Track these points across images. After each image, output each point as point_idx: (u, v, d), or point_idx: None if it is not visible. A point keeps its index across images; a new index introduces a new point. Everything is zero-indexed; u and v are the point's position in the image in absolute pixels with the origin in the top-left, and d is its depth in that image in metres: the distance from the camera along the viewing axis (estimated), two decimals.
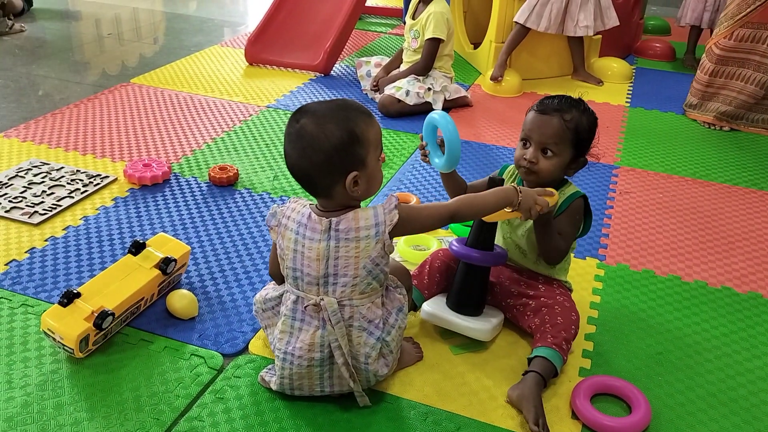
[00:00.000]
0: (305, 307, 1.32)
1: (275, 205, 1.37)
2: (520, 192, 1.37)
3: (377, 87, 3.11)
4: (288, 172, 2.35)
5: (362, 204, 1.32)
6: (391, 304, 1.37)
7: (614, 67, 3.62)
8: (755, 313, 1.78)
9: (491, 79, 3.33)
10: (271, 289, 1.43)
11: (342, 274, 1.28)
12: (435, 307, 1.59)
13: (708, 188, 2.48)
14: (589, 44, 3.62)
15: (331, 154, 1.22)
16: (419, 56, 3.04)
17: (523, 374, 1.44)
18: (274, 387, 1.39)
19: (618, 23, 3.44)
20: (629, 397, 1.43)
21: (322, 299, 1.29)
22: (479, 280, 1.57)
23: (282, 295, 1.38)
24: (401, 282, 1.43)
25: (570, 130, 1.51)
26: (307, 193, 1.37)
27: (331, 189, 1.25)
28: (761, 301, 1.83)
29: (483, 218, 1.47)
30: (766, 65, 2.88)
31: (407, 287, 1.46)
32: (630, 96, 3.41)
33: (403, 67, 3.12)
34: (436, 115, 1.56)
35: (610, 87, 3.51)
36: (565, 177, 1.59)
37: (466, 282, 1.57)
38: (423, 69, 3.02)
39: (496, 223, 1.54)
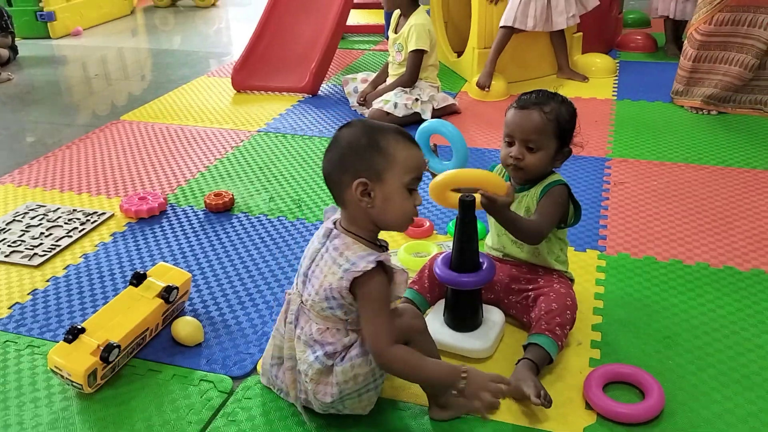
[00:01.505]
0: (286, 292, 1.36)
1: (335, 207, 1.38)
2: (465, 376, 1.24)
3: (365, 101, 3.13)
4: (283, 194, 2.38)
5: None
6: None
7: (598, 62, 3.64)
8: (759, 290, 1.78)
9: (478, 86, 3.35)
10: None
11: (312, 282, 1.28)
12: (432, 328, 1.48)
13: (701, 172, 2.49)
14: (571, 42, 3.64)
15: (345, 151, 1.23)
16: (405, 69, 3.07)
17: (516, 363, 1.44)
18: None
19: (598, 2, 3.48)
20: (641, 383, 1.42)
21: (292, 292, 1.32)
22: (470, 295, 1.55)
23: None
24: (403, 328, 1.31)
25: (551, 122, 1.52)
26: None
27: (342, 192, 1.25)
28: (764, 277, 1.83)
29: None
30: (748, 46, 2.90)
31: (408, 338, 1.33)
32: (616, 89, 3.43)
33: (390, 80, 3.14)
34: (433, 123, 1.58)
35: (595, 82, 3.53)
36: (553, 170, 1.60)
37: (458, 301, 1.55)
38: (409, 81, 3.05)
39: (477, 241, 1.50)
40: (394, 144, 1.22)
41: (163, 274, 1.71)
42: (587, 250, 1.99)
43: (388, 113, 2.96)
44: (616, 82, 3.54)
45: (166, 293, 1.64)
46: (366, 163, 1.22)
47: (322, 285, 1.25)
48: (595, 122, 2.99)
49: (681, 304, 1.72)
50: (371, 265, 1.19)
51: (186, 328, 1.62)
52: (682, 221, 2.14)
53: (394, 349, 1.22)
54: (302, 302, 1.30)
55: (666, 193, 2.33)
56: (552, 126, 1.52)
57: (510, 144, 1.56)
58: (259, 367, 1.53)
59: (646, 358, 1.53)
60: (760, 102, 2.99)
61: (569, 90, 3.39)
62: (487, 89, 3.33)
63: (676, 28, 3.95)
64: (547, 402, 1.33)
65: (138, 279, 1.66)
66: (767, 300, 1.73)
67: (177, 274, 1.72)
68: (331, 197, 1.30)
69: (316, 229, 2.12)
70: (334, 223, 1.30)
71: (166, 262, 1.96)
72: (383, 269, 1.21)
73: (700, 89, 3.06)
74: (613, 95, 3.35)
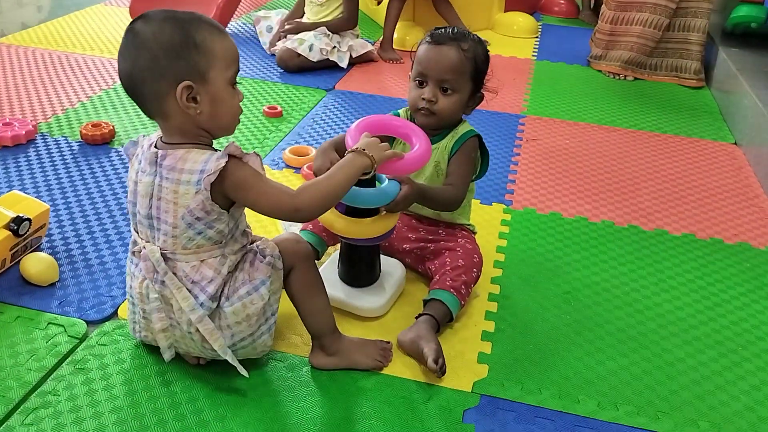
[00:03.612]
0: (132, 252, 1.15)
1: (141, 135, 1.18)
2: (365, 149, 1.16)
3: (285, 37, 2.88)
4: None
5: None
6: (254, 274, 1.13)
7: (520, 21, 3.56)
8: (662, 249, 1.74)
9: (386, 60, 3.10)
10: None
11: (163, 219, 1.08)
12: (325, 282, 1.31)
13: (613, 133, 2.45)
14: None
15: (156, 53, 1.02)
16: (327, 12, 2.89)
17: (416, 317, 1.33)
18: (130, 331, 1.24)
19: None
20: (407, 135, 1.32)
21: (144, 247, 1.11)
22: (367, 250, 1.39)
23: None
24: (285, 255, 1.18)
25: (469, 61, 1.38)
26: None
27: (162, 103, 1.05)
28: (667, 237, 1.79)
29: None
30: (661, 6, 2.88)
31: (291, 264, 1.19)
32: (536, 50, 3.36)
33: (310, 21, 2.94)
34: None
35: (516, 41, 3.45)
36: (462, 117, 1.48)
37: (352, 253, 1.40)
38: (350, 23, 2.89)
39: (374, 185, 1.30)
40: (209, 37, 1.05)
41: (15, 203, 1.49)
42: (493, 203, 1.89)
43: (299, 55, 2.77)
44: (537, 43, 3.47)
45: (15, 225, 1.42)
46: (186, 65, 1.03)
47: (177, 214, 1.07)
48: (513, 80, 2.90)
49: (583, 260, 1.66)
50: (224, 160, 1.04)
51: (37, 265, 1.41)
52: (591, 180, 2.08)
53: (300, 194, 1.09)
54: (161, 249, 1.10)
55: (577, 152, 2.27)
56: (470, 65, 1.38)
57: (422, 84, 1.40)
58: (123, 314, 1.36)
59: (544, 312, 1.45)
60: (675, 68, 2.99)
61: (492, 47, 3.29)
62: (398, 62, 3.07)
63: None
64: (441, 372, 1.22)
65: None
66: (668, 259, 1.69)
67: (31, 205, 1.50)
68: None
69: None
70: (155, 147, 1.09)
71: (28, 194, 1.72)
72: (237, 157, 1.06)
73: (617, 53, 3.03)
74: (533, 56, 3.27)
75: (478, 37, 1.44)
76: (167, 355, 1.15)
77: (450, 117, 1.42)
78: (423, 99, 1.39)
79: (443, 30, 1.42)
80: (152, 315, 1.12)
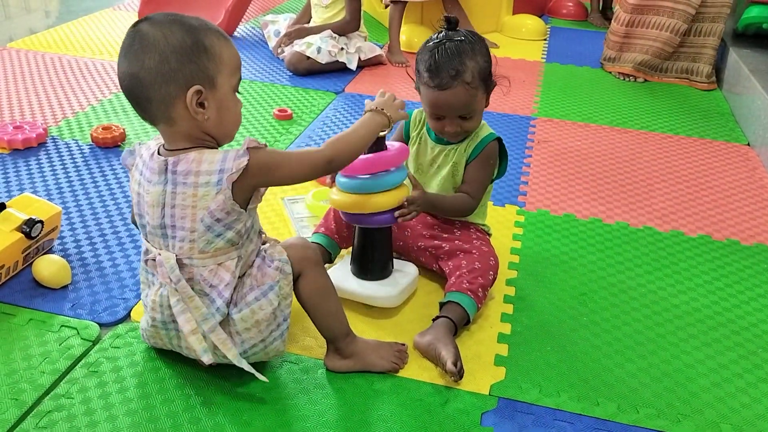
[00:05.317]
0: (145, 261, 1.14)
1: (137, 142, 1.16)
2: (382, 108, 1.23)
3: (290, 42, 2.89)
4: None
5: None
6: (262, 279, 1.12)
7: (528, 23, 3.55)
8: (678, 250, 1.72)
9: (394, 64, 3.09)
10: None
11: (179, 226, 1.06)
12: (337, 277, 1.38)
13: (625, 135, 2.43)
14: (501, 2, 3.53)
15: (167, 56, 0.99)
16: (332, 14, 2.88)
17: (434, 320, 1.32)
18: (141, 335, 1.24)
19: None
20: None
21: (159, 254, 1.09)
22: (379, 239, 1.39)
23: None
24: (293, 260, 1.16)
25: (478, 87, 1.37)
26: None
27: (169, 108, 1.02)
28: (683, 238, 1.77)
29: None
30: (679, 11, 2.85)
31: (300, 269, 1.17)
32: (545, 52, 3.35)
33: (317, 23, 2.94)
34: None
35: (525, 44, 3.44)
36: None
37: (365, 244, 1.39)
38: (352, 26, 2.87)
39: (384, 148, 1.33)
40: (218, 43, 1.03)
41: (27, 206, 1.48)
42: (506, 205, 1.88)
43: (308, 58, 2.77)
44: (546, 45, 3.46)
45: (28, 227, 1.41)
46: (196, 69, 1.01)
47: (196, 217, 1.05)
48: (523, 82, 2.89)
49: (599, 262, 1.64)
50: (245, 158, 1.02)
51: (49, 267, 1.40)
52: (604, 181, 2.07)
53: (327, 147, 1.12)
54: (177, 255, 1.08)
55: (589, 154, 2.25)
56: (477, 87, 1.37)
57: (440, 119, 1.40)
58: (135, 317, 1.35)
59: (560, 314, 1.44)
60: (687, 70, 2.97)
61: (500, 49, 3.28)
62: (405, 65, 3.08)
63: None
64: (459, 375, 1.20)
65: None
66: (685, 260, 1.67)
67: (43, 207, 1.49)
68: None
69: None
70: (159, 154, 1.06)
71: (40, 197, 1.72)
72: (251, 145, 1.05)
73: (631, 55, 3.00)
74: (542, 58, 3.26)
75: (471, 38, 1.38)
76: (206, 359, 1.10)
77: (476, 129, 1.45)
78: (446, 131, 1.41)
79: (442, 68, 1.34)
80: (179, 318, 1.08)
